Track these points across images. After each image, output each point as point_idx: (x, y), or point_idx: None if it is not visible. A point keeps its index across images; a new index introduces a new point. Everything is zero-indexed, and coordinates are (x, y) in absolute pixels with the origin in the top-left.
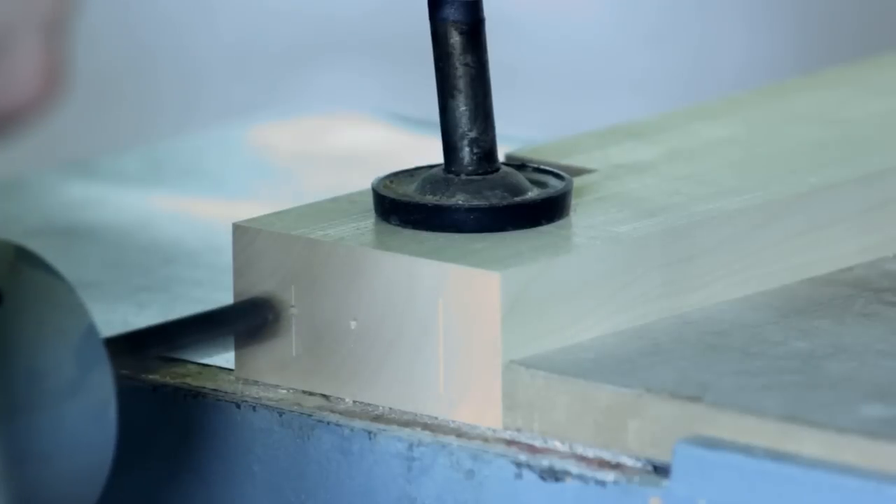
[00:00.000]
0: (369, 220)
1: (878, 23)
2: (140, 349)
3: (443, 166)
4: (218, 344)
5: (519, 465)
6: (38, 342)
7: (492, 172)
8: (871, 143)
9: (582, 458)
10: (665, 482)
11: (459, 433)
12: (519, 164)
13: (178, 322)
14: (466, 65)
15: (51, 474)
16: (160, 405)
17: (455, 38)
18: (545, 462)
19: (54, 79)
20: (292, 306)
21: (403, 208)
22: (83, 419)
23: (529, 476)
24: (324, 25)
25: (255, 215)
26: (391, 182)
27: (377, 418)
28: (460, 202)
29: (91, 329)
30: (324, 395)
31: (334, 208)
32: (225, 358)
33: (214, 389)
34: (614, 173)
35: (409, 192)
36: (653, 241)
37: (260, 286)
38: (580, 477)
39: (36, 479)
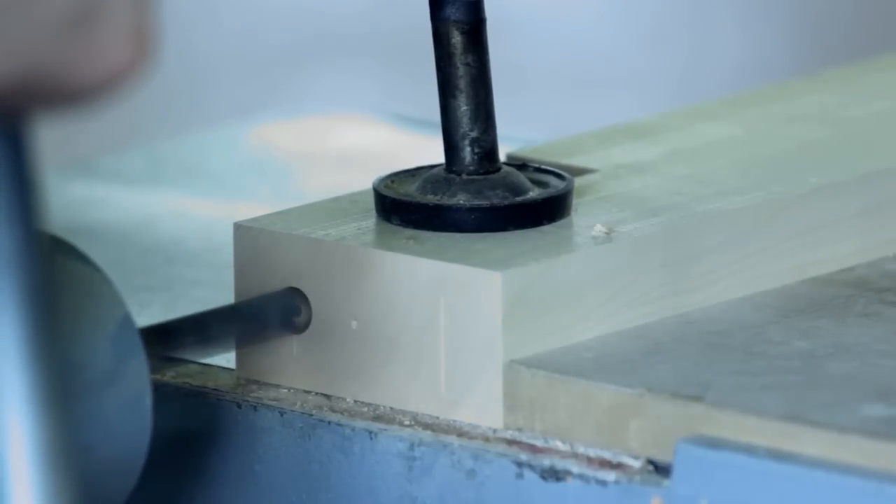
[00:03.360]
0: (370, 220)
1: (877, 23)
2: (175, 339)
3: (444, 166)
4: (251, 335)
5: (520, 464)
6: (74, 332)
7: (493, 172)
8: (871, 143)
9: (583, 458)
10: (666, 482)
11: (460, 433)
12: (520, 164)
13: (212, 312)
14: (467, 64)
15: (87, 464)
16: (161, 405)
17: (456, 38)
18: (546, 462)
19: (144, 47)
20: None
21: (405, 208)
22: (119, 409)
23: (530, 476)
24: (324, 25)
25: (255, 215)
26: (392, 182)
27: (378, 418)
28: (461, 202)
29: (127, 319)
30: (325, 395)
31: (335, 208)
32: (226, 357)
33: (215, 389)
34: (615, 173)
35: (411, 191)
36: (654, 240)
37: (261, 286)
38: (581, 477)
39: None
